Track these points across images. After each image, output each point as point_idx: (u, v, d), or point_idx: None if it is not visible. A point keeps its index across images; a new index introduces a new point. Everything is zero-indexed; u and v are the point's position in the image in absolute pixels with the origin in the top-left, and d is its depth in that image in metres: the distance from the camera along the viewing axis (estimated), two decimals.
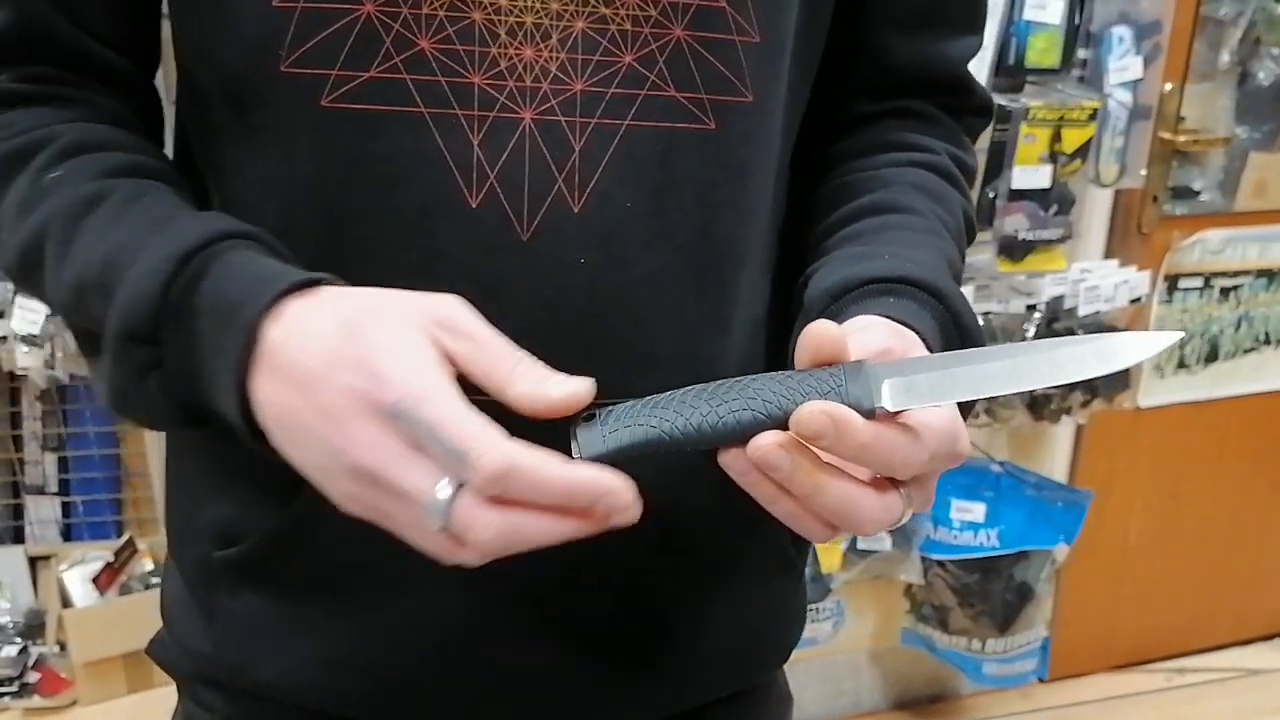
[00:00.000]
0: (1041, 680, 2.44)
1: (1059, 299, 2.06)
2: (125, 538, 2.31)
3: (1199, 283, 2.32)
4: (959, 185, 0.76)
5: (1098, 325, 2.12)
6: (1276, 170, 2.31)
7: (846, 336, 0.54)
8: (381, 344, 0.51)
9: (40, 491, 2.34)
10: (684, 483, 0.63)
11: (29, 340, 2.09)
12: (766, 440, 0.52)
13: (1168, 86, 2.11)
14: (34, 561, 2.34)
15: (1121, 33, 2.01)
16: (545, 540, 0.50)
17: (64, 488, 2.34)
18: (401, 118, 0.59)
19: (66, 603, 2.25)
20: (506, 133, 0.60)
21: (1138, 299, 2.14)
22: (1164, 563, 2.50)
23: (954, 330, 0.64)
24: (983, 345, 0.63)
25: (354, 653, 0.67)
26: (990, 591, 2.22)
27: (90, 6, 0.65)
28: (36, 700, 2.24)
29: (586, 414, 0.53)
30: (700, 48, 0.62)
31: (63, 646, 2.27)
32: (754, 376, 0.54)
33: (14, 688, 2.23)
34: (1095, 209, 2.19)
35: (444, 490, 0.49)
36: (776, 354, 0.70)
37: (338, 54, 0.59)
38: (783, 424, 0.52)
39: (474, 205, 0.60)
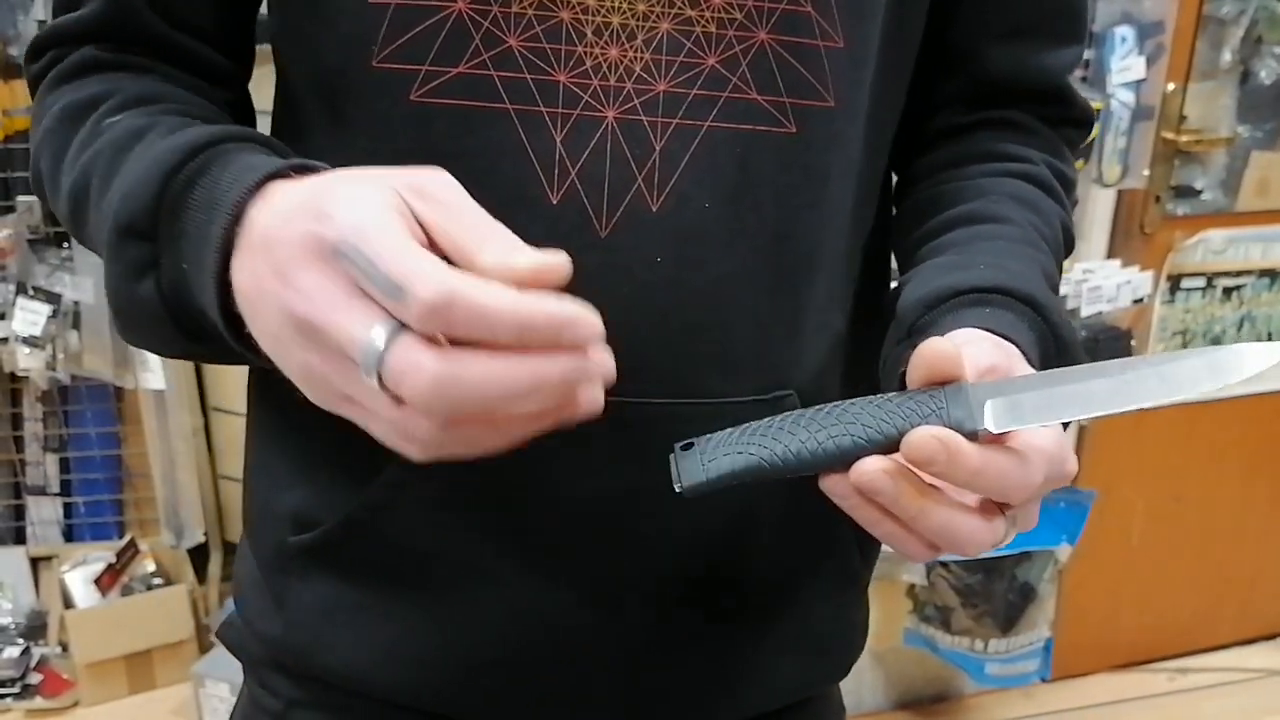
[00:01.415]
0: (1044, 680, 2.44)
1: (1061, 299, 2.06)
2: (127, 539, 2.31)
3: (1201, 283, 2.32)
4: (1057, 196, 0.74)
5: (1100, 326, 2.11)
6: (1278, 169, 2.30)
7: (961, 352, 0.53)
8: (339, 192, 0.48)
9: (42, 492, 2.34)
10: (756, 495, 0.63)
11: (30, 341, 2.10)
12: (871, 466, 0.51)
13: (1170, 86, 2.11)
14: (35, 562, 2.34)
15: (1124, 33, 2.01)
16: (496, 390, 0.44)
17: (65, 488, 2.34)
18: (487, 114, 0.60)
19: (68, 603, 2.25)
20: (589, 131, 0.60)
21: (1140, 299, 2.14)
22: (1166, 563, 2.50)
23: (1051, 342, 0.63)
24: (1081, 359, 0.62)
25: (422, 643, 0.68)
26: (993, 592, 2.22)
27: (184, 3, 0.66)
28: (38, 701, 2.24)
29: (685, 443, 0.54)
30: (784, 51, 0.62)
31: (64, 647, 2.28)
32: (852, 401, 0.53)
33: (16, 689, 2.24)
34: (1098, 209, 2.19)
35: (379, 335, 0.44)
36: (855, 366, 0.69)
37: (428, 50, 0.59)
38: (883, 448, 0.51)
39: (554, 201, 0.60)
